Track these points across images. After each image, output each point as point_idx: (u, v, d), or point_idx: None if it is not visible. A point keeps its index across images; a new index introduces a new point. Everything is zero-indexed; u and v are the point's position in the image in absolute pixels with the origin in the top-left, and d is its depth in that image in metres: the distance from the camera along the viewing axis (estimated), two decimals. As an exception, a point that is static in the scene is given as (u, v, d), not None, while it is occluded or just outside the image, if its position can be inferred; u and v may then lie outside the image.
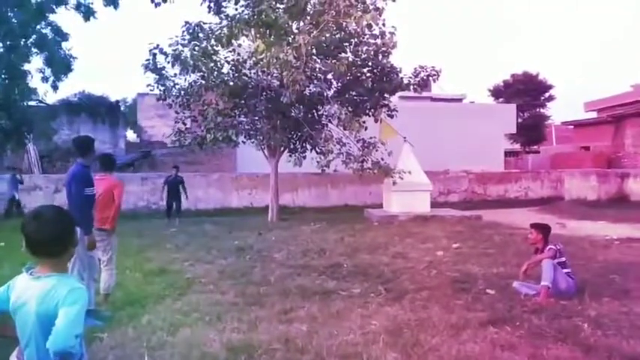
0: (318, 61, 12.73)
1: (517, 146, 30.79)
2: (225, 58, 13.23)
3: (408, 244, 9.34)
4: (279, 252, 8.48)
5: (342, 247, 8.99)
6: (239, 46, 13.11)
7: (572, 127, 32.25)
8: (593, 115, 31.13)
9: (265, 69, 12.33)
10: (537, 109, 31.42)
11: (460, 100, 31.18)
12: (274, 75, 12.61)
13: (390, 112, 13.67)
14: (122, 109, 29.69)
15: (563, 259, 5.55)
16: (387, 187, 14.16)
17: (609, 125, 26.82)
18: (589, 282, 5.95)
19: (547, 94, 31.50)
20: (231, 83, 12.90)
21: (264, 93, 12.87)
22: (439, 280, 6.36)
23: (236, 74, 13.19)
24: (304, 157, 12.96)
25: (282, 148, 13.83)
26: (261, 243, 9.61)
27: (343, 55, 12.93)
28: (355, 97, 13.34)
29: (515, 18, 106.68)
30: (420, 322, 4.65)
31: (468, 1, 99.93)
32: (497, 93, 32.36)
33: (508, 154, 28.44)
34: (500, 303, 5.20)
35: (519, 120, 28.11)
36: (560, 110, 59.84)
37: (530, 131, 30.35)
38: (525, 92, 30.42)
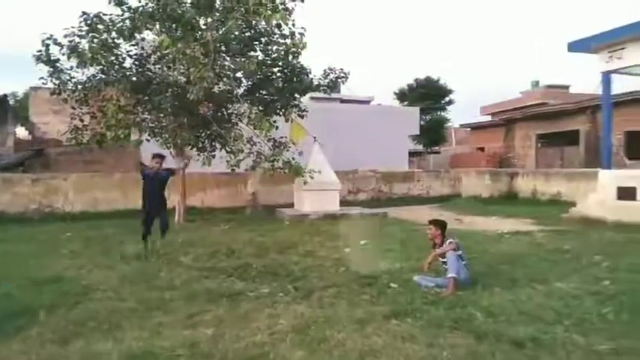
0: (228, 58, 12.49)
1: (420, 147, 32.45)
2: (128, 51, 12.54)
3: (317, 243, 9.46)
4: (185, 255, 8.19)
5: (252, 248, 8.89)
6: (142, 39, 12.49)
7: (469, 129, 34.67)
8: (488, 118, 33.72)
9: (171, 64, 11.85)
10: (438, 112, 33.34)
11: (368, 102, 32.23)
12: (181, 71, 12.16)
13: (300, 113, 13.76)
14: (11, 103, 27.04)
15: (460, 252, 5.93)
16: (298, 186, 14.27)
17: (501, 128, 29.21)
18: (482, 273, 6.41)
19: (447, 99, 33.54)
20: (134, 78, 12.24)
21: (170, 89, 12.37)
22: (346, 278, 6.50)
23: (139, 69, 12.54)
24: (213, 156, 12.65)
25: (189, 147, 13.39)
26: (166, 246, 9.21)
27: (253, 53, 12.80)
28: (266, 97, 13.27)
29: (422, 24, 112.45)
30: (327, 318, 4.73)
31: (376, 7, 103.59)
32: (402, 96, 33.89)
33: (412, 154, 29.90)
34: (403, 296, 5.43)
35: (422, 122, 29.68)
36: (460, 113, 64.11)
37: (432, 133, 32.16)
38: (428, 96, 32.17)
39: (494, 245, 8.85)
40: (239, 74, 12.55)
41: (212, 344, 4.11)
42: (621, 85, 16.98)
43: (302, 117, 13.70)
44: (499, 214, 14.27)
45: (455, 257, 5.69)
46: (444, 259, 5.80)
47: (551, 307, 4.92)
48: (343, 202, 15.70)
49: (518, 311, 4.79)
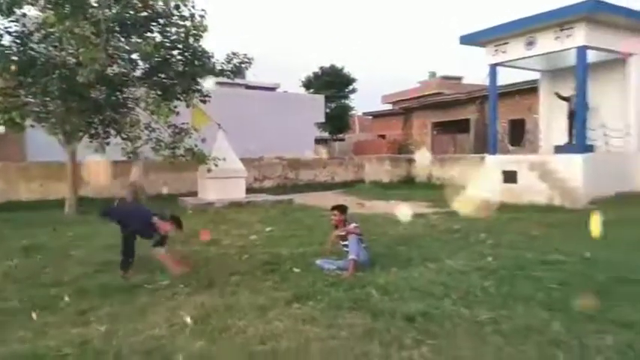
0: (122, 39, 11.75)
1: (326, 134, 33.04)
2: (6, 28, 11.32)
3: (222, 231, 9.32)
4: (76, 249, 7.66)
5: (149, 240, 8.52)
6: (24, 15, 11.33)
7: (371, 117, 35.90)
8: (389, 107, 35.11)
9: (57, 44, 10.91)
10: (343, 101, 34.09)
11: (274, 89, 32.11)
12: (69, 51, 11.22)
13: (202, 98, 13.35)
14: None
15: (361, 235, 6.14)
16: (202, 174, 13.90)
17: (401, 116, 30.58)
18: (381, 254, 6.70)
19: (351, 87, 34.37)
20: (15, 58, 11.10)
21: (58, 71, 11.39)
22: (250, 264, 6.47)
23: (21, 48, 11.39)
24: (108, 144, 11.89)
25: (80, 134, 12.46)
26: (55, 240, 8.56)
27: (150, 35, 12.15)
28: (165, 81, 12.67)
29: (327, 14, 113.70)
30: (229, 307, 4.67)
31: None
32: (308, 84, 34.16)
33: (318, 141, 30.37)
34: (305, 280, 5.52)
35: (327, 110, 30.21)
36: (363, 102, 66.14)
37: (337, 120, 32.85)
38: (332, 84, 32.73)
39: (393, 228, 9.28)
40: (135, 56, 11.86)
41: (105, 341, 3.89)
42: (508, 77, 18.53)
43: (205, 102, 13.31)
44: (398, 198, 14.99)
45: (356, 240, 5.89)
46: (345, 242, 5.99)
47: (441, 282, 5.27)
48: (249, 190, 15.58)
49: (412, 288, 5.07)
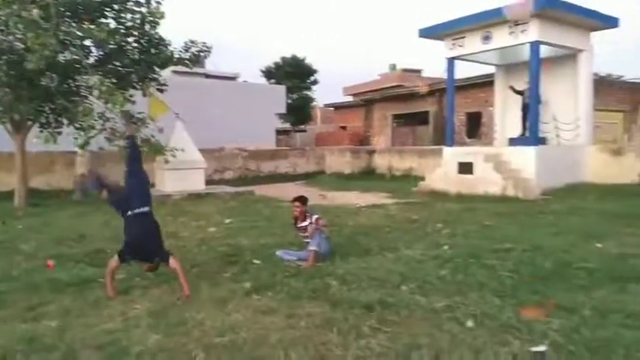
0: (74, 24, 11.26)
1: (287, 125, 32.91)
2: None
3: (181, 223, 9.17)
4: (26, 242, 7.36)
5: (107, 232, 8.28)
6: (-36, -3, 10.69)
7: (332, 108, 35.98)
8: (350, 98, 35.27)
9: (4, 28, 10.37)
10: (304, 91, 33.99)
11: (234, 78, 31.67)
12: (17, 36, 10.68)
13: (160, 87, 13.01)
14: None
15: (324, 226, 6.17)
16: (160, 165, 13.58)
17: (362, 108, 30.78)
18: (341, 245, 6.76)
19: (312, 78, 34.29)
20: (-46, 41, 10.49)
21: (5, 57, 10.83)
22: (209, 256, 6.41)
23: (-39, 31, 10.77)
24: (59, 133, 11.42)
25: (30, 123, 11.93)
26: (3, 233, 8.19)
27: (104, 20, 11.70)
28: (119, 68, 12.26)
29: (289, 3, 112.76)
30: (187, 299, 4.62)
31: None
32: (269, 74, 33.85)
33: (279, 132, 30.22)
34: (265, 271, 5.51)
35: (289, 101, 30.06)
36: (325, 93, 66.22)
37: (299, 111, 32.75)
38: (294, 75, 32.56)
39: (353, 218, 9.38)
40: (88, 42, 11.40)
41: (56, 336, 3.77)
42: (466, 71, 18.95)
43: (162, 91, 12.97)
44: (358, 189, 15.14)
45: (317, 232, 5.92)
46: (306, 234, 6.01)
47: (399, 272, 5.38)
48: (209, 182, 15.38)
49: (370, 278, 5.15)
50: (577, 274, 5.22)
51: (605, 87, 18.42)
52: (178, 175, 13.44)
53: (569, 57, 14.53)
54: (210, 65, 28.97)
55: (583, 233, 7.39)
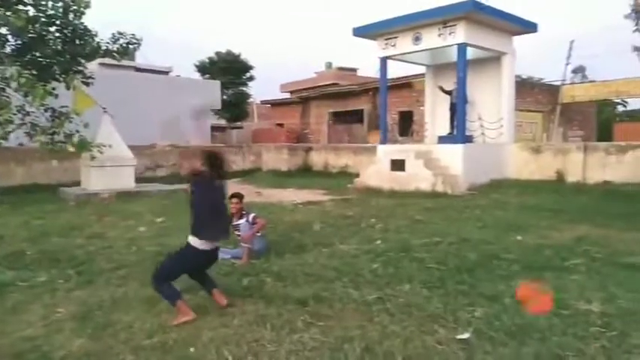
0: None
1: (223, 122, 32.36)
2: None
3: (108, 223, 8.77)
4: None
5: (27, 232, 7.79)
6: None
7: (269, 105, 35.79)
8: (287, 95, 35.25)
9: None
10: (240, 88, 33.53)
11: (166, 72, 30.68)
12: None
13: (85, 80, 12.37)
14: None
15: (255, 224, 6.13)
16: (85, 162, 12.90)
17: (299, 105, 30.86)
18: (277, 241, 6.76)
19: (248, 74, 33.90)
20: None
21: None
22: (139, 257, 6.19)
23: None
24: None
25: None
26: None
27: (22, 7, 10.95)
28: (40, 60, 11.54)
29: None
30: (115, 301, 4.45)
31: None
32: (203, 69, 33.09)
33: (215, 129, 29.65)
34: (198, 270, 5.40)
35: (224, 97, 29.55)
36: (261, 90, 65.70)
37: (235, 108, 32.29)
38: (229, 70, 32.02)
39: (289, 215, 9.40)
40: (3, 30, 10.64)
41: (-34, 347, 3.51)
42: (400, 70, 19.47)
43: (87, 85, 12.35)
44: (295, 186, 15.18)
45: (249, 227, 5.88)
46: (237, 231, 5.96)
47: (333, 267, 5.46)
48: (141, 179, 14.81)
49: (305, 273, 5.19)
50: (499, 265, 5.54)
51: (527, 89, 19.64)
52: (105, 172, 12.82)
53: (493, 59, 15.32)
54: (141, 59, 27.89)
55: (505, 226, 7.85)
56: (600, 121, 26.17)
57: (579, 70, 34.22)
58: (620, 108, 32.33)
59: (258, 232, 5.96)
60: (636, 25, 26.32)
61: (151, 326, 3.85)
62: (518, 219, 8.54)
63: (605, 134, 23.34)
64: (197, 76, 32.61)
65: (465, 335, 3.62)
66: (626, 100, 27.58)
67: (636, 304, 4.24)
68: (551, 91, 22.20)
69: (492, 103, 15.34)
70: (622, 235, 7.12)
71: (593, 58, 43.78)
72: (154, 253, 6.32)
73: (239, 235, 6.01)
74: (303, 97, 30.48)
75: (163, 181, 16.15)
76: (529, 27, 15.12)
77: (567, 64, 26.23)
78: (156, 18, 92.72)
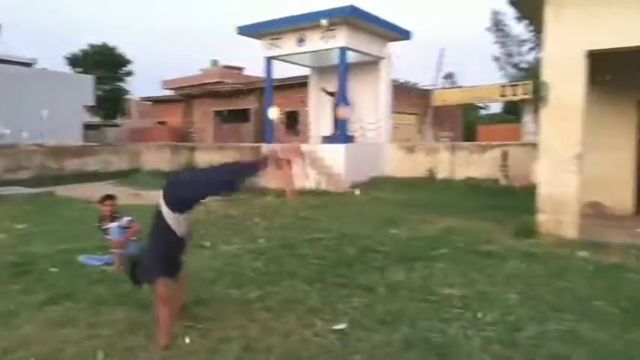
0: None
1: (98, 119, 30.12)
2: None
3: (-44, 232, 7.72)
4: None
5: None
6: None
7: (150, 103, 34.03)
8: (170, 92, 33.81)
9: None
10: (117, 83, 31.46)
11: (30, 64, 27.74)
12: None
13: None
14: None
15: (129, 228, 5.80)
16: None
17: (182, 103, 29.76)
18: (155, 245, 6.43)
19: (126, 69, 31.92)
20: None
21: None
22: (-6, 267, 5.53)
23: None
24: None
25: None
26: None
27: None
28: None
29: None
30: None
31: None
32: (74, 62, 30.47)
33: (89, 127, 27.46)
34: (64, 280, 4.97)
35: (99, 92, 27.50)
36: (142, 86, 62.08)
37: (111, 104, 30.22)
38: (104, 64, 29.88)
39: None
40: None
41: None
42: (288, 71, 19.65)
43: None
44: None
45: (117, 231, 5.55)
46: (108, 236, 5.60)
47: (215, 267, 5.36)
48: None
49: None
50: (375, 257, 5.85)
51: (403, 92, 20.91)
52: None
53: (372, 64, 16.13)
54: (1, 48, 24.94)
55: (382, 221, 8.32)
56: (466, 123, 28.80)
57: (449, 77, 37.30)
58: (483, 112, 35.84)
59: (133, 236, 5.64)
60: (496, 37, 29.55)
61: (9, 342, 3.47)
62: (393, 214, 9.10)
63: (470, 135, 25.75)
64: (68, 69, 29.96)
65: (341, 325, 3.78)
66: (487, 104, 30.67)
67: (491, 287, 4.74)
68: (425, 95, 23.92)
69: (371, 105, 16.17)
70: (482, 225, 7.92)
71: (461, 66, 48.10)
72: (11, 263, 5.68)
73: (110, 240, 5.64)
74: (188, 95, 29.44)
75: (26, 184, 14.60)
76: (403, 34, 16.17)
77: (439, 70, 28.57)
78: (21, 3, 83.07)
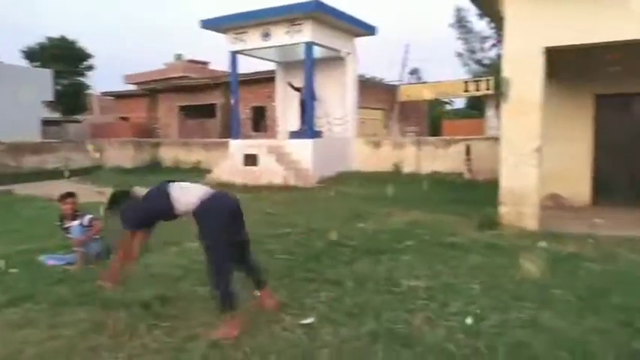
0: None
1: (57, 115, 29.16)
2: None
3: None
4: None
5: None
6: None
7: (113, 98, 33.16)
8: (133, 87, 33.00)
9: None
10: (77, 78, 30.52)
11: (-17, 57, 26.58)
12: None
13: None
14: None
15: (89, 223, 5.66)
16: None
17: (146, 98, 29.11)
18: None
19: (86, 63, 31.00)
20: None
21: None
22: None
23: None
24: None
25: None
26: None
27: None
28: None
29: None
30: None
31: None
32: (31, 55, 29.38)
33: (47, 123, 26.55)
34: (23, 281, 4.82)
35: (58, 87, 26.62)
36: (103, 81, 60.38)
37: (71, 99, 29.30)
38: (63, 58, 28.92)
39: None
40: None
41: None
42: (254, 66, 19.46)
43: None
44: (143, 185, 14.30)
45: (79, 229, 5.42)
46: (69, 234, 5.46)
47: (181, 265, 5.30)
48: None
49: (150, 275, 4.96)
50: (343, 251, 5.90)
51: (369, 88, 21.07)
52: None
53: (338, 59, 16.18)
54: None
55: (349, 215, 8.38)
56: (432, 118, 29.27)
57: (415, 72, 37.78)
58: (448, 107, 36.51)
59: (95, 235, 5.51)
60: (459, 33, 30.08)
61: (-39, 349, 3.34)
62: (360, 208, 9.18)
63: (435, 130, 26.20)
64: (24, 63, 28.86)
65: (309, 320, 3.79)
66: (452, 99, 31.24)
67: (455, 278, 4.85)
68: (391, 90, 24.17)
69: (338, 101, 16.23)
70: (446, 218, 8.08)
71: (426, 62, 48.87)
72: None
73: (71, 239, 5.50)
74: (151, 90, 28.82)
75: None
76: (369, 30, 16.28)
77: (404, 65, 28.88)
78: (-32, -7, 79.20)
